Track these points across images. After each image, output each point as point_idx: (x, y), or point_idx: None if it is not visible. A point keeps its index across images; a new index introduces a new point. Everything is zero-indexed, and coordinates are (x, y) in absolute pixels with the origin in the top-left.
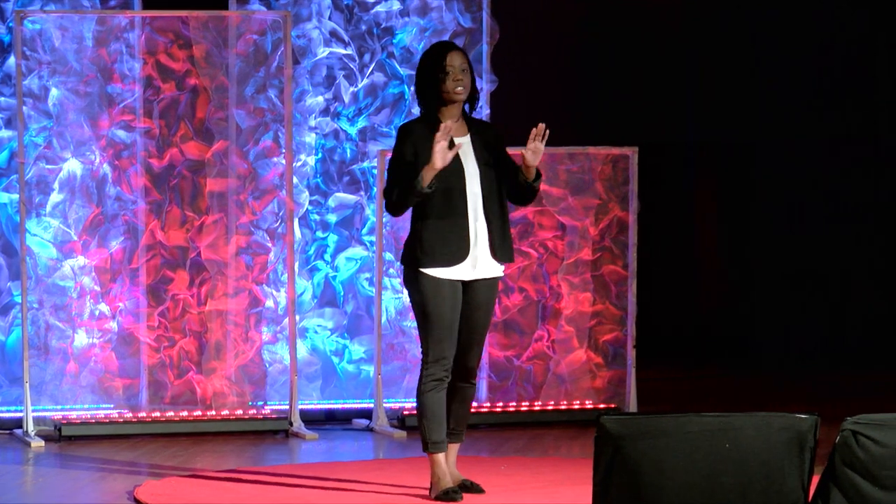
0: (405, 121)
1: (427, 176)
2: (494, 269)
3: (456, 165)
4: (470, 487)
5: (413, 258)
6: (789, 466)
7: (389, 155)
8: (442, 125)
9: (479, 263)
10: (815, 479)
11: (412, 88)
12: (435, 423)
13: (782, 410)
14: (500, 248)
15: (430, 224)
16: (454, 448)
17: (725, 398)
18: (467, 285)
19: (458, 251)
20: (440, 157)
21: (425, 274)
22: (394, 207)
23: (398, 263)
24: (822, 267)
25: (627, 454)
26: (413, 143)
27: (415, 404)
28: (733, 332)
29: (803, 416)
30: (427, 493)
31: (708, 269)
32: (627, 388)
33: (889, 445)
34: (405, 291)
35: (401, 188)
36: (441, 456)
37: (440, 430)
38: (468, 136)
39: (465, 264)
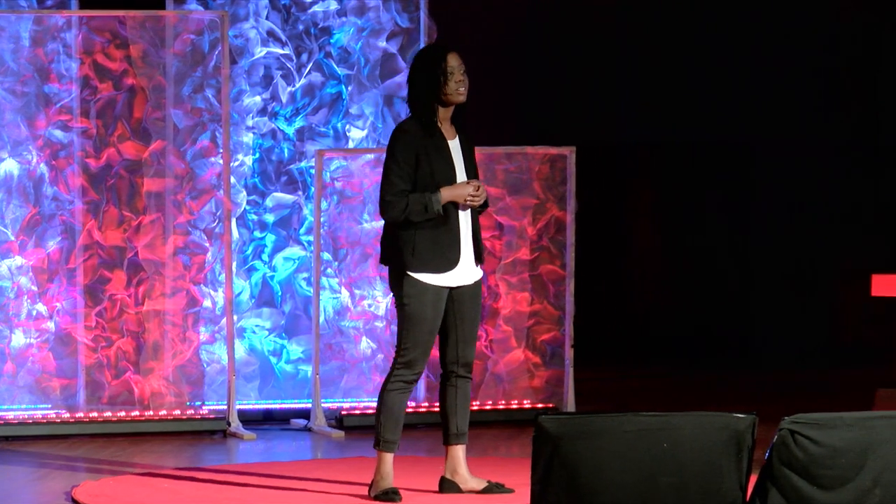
0: (400, 122)
1: (444, 200)
2: (477, 273)
3: (450, 172)
4: (496, 488)
5: (401, 260)
6: (727, 466)
7: (327, 155)
8: (472, 184)
9: (465, 269)
10: (753, 479)
11: (358, 92)
12: (392, 422)
13: (722, 410)
14: (479, 251)
15: (426, 230)
16: (462, 450)
17: (664, 398)
18: (454, 289)
19: (450, 259)
20: (464, 196)
21: (411, 277)
22: (396, 217)
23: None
24: (764, 266)
25: (565, 454)
26: (413, 146)
27: (353, 403)
28: (671, 332)
29: (741, 415)
30: (366, 491)
31: (645, 268)
32: (565, 387)
33: (826, 445)
34: (342, 291)
35: (411, 206)
36: (390, 455)
37: (395, 430)
38: (457, 139)
39: (455, 272)
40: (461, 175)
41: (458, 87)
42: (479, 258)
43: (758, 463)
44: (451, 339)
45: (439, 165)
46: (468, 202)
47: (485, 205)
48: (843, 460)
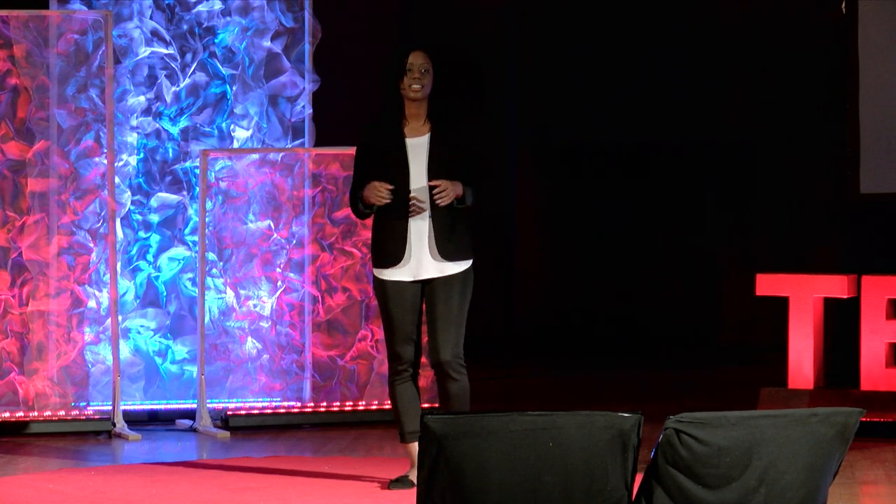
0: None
1: (368, 198)
2: (445, 268)
3: (401, 166)
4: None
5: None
6: (612, 465)
7: (212, 155)
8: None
9: (424, 264)
10: (639, 478)
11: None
12: (398, 415)
13: (607, 409)
14: (445, 247)
15: (376, 224)
16: None
17: (550, 397)
18: (425, 284)
19: (394, 253)
20: (376, 197)
21: (375, 274)
22: (353, 213)
23: (218, 262)
24: (622, 265)
25: (451, 453)
26: (367, 144)
27: (239, 403)
28: (556, 331)
29: (626, 414)
30: (251, 492)
31: (527, 269)
32: None
33: (711, 444)
34: (227, 291)
35: (351, 204)
36: (410, 446)
37: (406, 422)
38: (427, 136)
39: (406, 266)
40: (416, 172)
41: (410, 84)
42: (449, 254)
43: (644, 462)
44: (429, 334)
45: (390, 164)
46: (412, 208)
47: (462, 201)
48: (727, 459)
